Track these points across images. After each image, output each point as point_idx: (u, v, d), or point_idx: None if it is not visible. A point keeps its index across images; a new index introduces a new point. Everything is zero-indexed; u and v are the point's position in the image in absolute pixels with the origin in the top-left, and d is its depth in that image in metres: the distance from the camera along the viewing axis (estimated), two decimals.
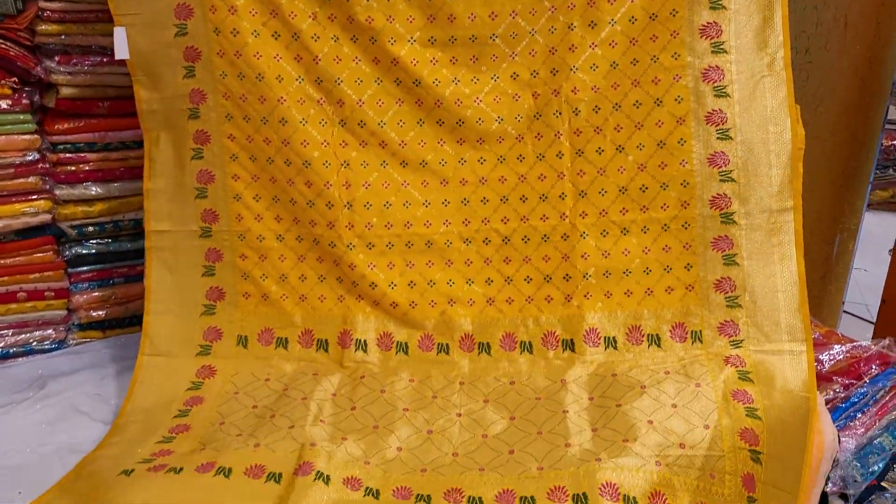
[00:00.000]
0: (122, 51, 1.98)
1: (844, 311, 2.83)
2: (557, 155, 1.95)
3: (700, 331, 1.90)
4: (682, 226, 1.90)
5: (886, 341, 2.06)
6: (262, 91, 1.93)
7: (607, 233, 1.94)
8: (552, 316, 1.94)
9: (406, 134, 1.98)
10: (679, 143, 1.87)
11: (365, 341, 2.00)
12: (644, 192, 1.91)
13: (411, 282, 2.01)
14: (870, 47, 2.25)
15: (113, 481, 1.66)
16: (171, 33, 1.95)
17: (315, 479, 1.60)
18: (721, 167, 1.86)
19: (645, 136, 1.89)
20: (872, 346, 2.06)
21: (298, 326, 2.03)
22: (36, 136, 2.11)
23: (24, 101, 2.07)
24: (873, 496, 2.03)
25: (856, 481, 1.93)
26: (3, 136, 2.07)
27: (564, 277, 1.95)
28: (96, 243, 2.30)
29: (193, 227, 2.04)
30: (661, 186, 1.89)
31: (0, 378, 2.14)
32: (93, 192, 2.24)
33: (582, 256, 1.94)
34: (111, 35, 2.10)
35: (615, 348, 1.90)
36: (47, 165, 2.16)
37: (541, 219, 1.96)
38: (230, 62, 1.93)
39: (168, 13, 1.94)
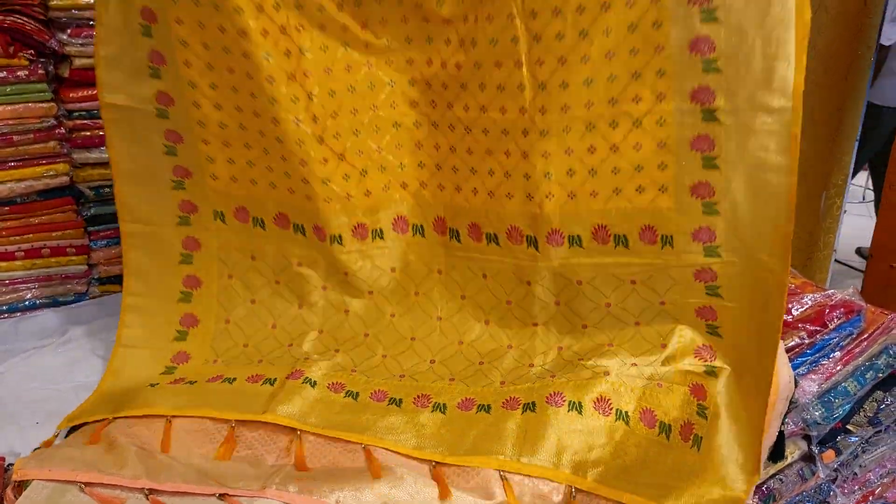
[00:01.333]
0: None
1: (844, 264, 2.87)
2: (512, 40, 1.70)
3: (671, 235, 1.68)
4: (657, 122, 1.60)
5: (851, 290, 2.11)
6: None
7: (570, 129, 1.69)
8: (514, 211, 1.84)
9: (366, 14, 1.83)
10: (654, 25, 1.53)
11: (340, 235, 1.97)
12: (612, 82, 1.60)
13: (381, 166, 1.96)
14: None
15: (143, 390, 1.85)
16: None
17: (303, 382, 1.79)
18: (705, 54, 1.49)
19: (612, 19, 1.57)
20: (839, 295, 2.12)
21: (272, 211, 2.00)
22: (52, 104, 2.28)
23: (40, 72, 2.24)
24: (839, 438, 2.10)
25: (818, 423, 2.01)
26: (22, 105, 2.24)
27: (525, 176, 1.78)
28: (113, 203, 2.46)
29: (150, 107, 1.92)
30: (634, 76, 1.58)
31: (27, 325, 2.33)
32: (108, 156, 2.40)
33: (542, 155, 1.74)
34: None
35: (580, 247, 1.79)
36: (64, 131, 2.33)
37: (500, 111, 1.78)
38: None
39: None
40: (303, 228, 1.99)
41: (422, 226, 1.98)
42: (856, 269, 2.94)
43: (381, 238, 1.98)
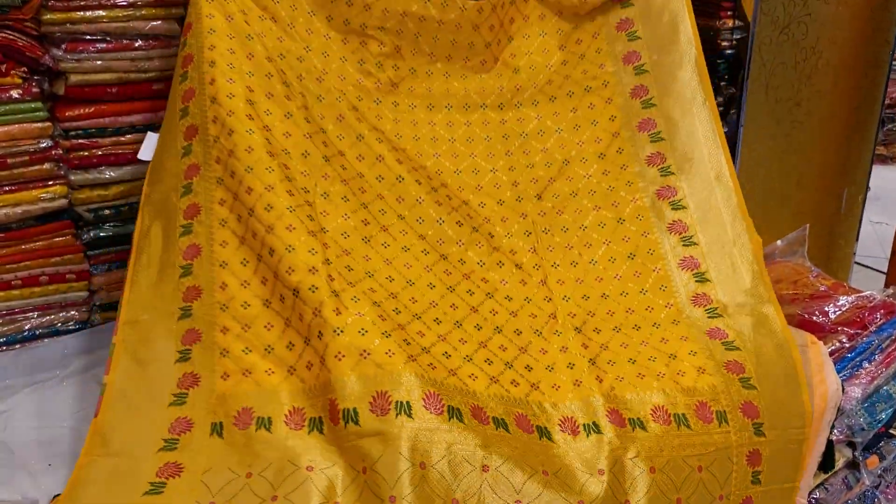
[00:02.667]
0: (147, 153, 2.06)
1: (860, 265, 2.84)
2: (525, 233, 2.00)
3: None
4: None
5: (891, 290, 2.07)
6: (249, 142, 1.87)
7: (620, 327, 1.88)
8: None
9: (385, 188, 1.99)
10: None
11: (355, 410, 1.54)
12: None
13: (405, 340, 1.72)
14: None
15: None
16: (177, 118, 1.97)
17: None
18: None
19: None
20: (877, 296, 2.08)
21: (286, 405, 1.62)
22: (48, 123, 2.16)
23: (35, 90, 2.12)
24: (882, 443, 2.05)
25: (863, 429, 1.96)
26: (17, 125, 2.11)
27: (569, 365, 1.78)
28: (113, 226, 2.35)
29: (172, 308, 1.78)
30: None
31: (27, 359, 2.20)
32: (107, 176, 2.29)
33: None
34: (115, 21, 2.17)
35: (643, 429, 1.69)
36: (61, 152, 2.21)
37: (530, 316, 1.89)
38: (221, 124, 1.88)
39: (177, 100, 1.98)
40: (320, 424, 1.59)
41: (458, 409, 1.61)
42: (874, 269, 2.95)
43: (409, 415, 1.54)
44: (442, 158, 2.05)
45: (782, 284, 2.22)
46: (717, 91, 2.26)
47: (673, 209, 1.95)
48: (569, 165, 2.02)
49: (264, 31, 2.05)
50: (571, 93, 2.06)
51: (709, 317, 1.83)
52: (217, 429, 1.58)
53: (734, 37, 2.18)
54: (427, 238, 1.96)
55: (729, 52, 2.19)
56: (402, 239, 1.94)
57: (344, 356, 1.57)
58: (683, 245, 1.92)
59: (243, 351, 1.68)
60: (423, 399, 1.56)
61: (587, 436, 1.61)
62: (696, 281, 1.87)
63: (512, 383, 1.69)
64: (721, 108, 2.26)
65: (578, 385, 1.69)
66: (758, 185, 2.29)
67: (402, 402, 1.52)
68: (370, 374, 1.54)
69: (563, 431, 1.61)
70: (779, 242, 2.36)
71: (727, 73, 2.22)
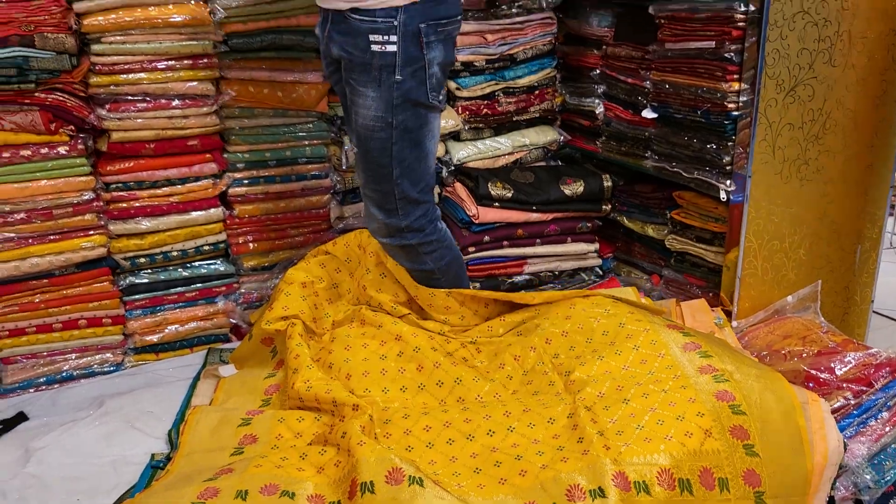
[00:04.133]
0: (226, 372, 2.33)
1: (881, 314, 2.84)
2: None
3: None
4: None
5: None
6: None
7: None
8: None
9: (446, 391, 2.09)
10: None
11: (371, 482, 1.62)
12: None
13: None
14: (877, 59, 2.29)
15: None
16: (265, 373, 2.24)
17: None
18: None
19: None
20: (884, 353, 2.09)
21: (310, 490, 1.69)
22: (91, 177, 2.32)
23: (80, 147, 2.28)
24: (891, 501, 2.05)
25: (869, 487, 1.96)
26: (62, 179, 2.28)
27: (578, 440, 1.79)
28: (148, 273, 2.50)
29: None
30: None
31: (64, 398, 2.34)
32: (143, 226, 2.44)
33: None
34: (156, 83, 2.33)
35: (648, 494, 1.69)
36: (101, 203, 2.37)
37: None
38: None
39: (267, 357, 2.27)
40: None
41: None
42: (893, 319, 2.93)
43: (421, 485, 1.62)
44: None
45: (791, 340, 2.24)
46: (724, 151, 2.32)
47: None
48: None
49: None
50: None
51: (716, 381, 1.85)
52: (242, 494, 1.65)
53: (740, 99, 2.25)
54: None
55: (735, 113, 2.26)
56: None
57: (365, 443, 1.71)
58: (683, 335, 2.00)
59: (280, 458, 1.79)
60: (435, 474, 1.70)
61: (592, 500, 1.63)
62: (701, 357, 1.91)
63: (520, 474, 1.75)
64: (728, 167, 2.32)
65: (586, 454, 1.73)
66: (766, 242, 2.33)
67: (414, 477, 1.62)
68: (387, 456, 1.66)
69: (569, 501, 1.64)
70: (789, 298, 2.39)
71: (734, 133, 2.29)
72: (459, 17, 2.08)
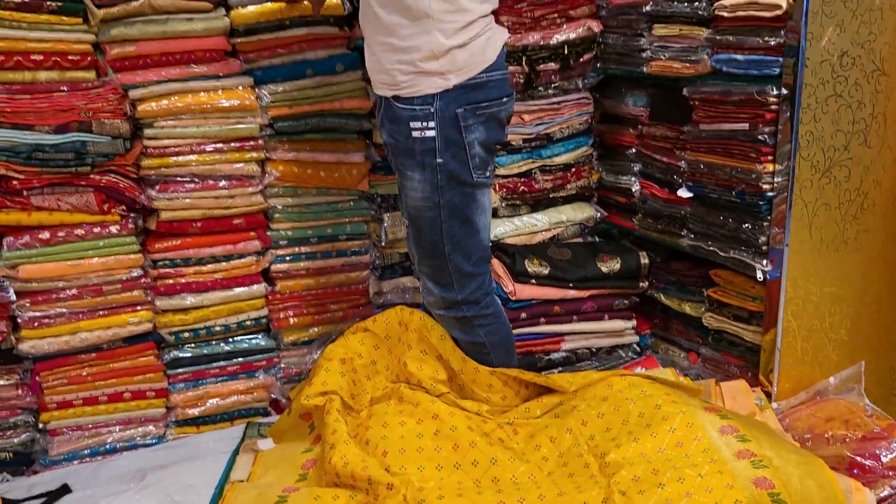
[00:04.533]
0: (265, 445, 2.37)
1: None
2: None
3: None
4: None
5: None
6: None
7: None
8: None
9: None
10: None
11: None
12: None
13: None
14: None
15: None
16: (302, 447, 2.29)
17: None
18: None
19: None
20: None
21: None
22: (140, 255, 2.41)
23: (130, 226, 2.38)
24: None
25: None
26: (113, 257, 2.37)
27: None
28: (191, 347, 2.56)
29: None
30: None
31: (106, 470, 2.38)
32: (188, 302, 2.51)
33: None
34: (204, 164, 2.43)
35: None
36: (149, 280, 2.45)
37: None
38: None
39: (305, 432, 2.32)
40: None
41: None
42: None
43: None
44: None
45: (834, 423, 2.20)
46: (760, 231, 2.32)
47: None
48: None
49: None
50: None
51: (754, 467, 1.81)
52: None
53: (775, 180, 2.26)
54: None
55: (770, 194, 2.27)
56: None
57: None
58: (720, 418, 1.97)
59: None
60: None
61: None
62: (739, 441, 1.88)
63: None
64: (764, 247, 2.32)
65: None
66: (805, 322, 2.31)
67: None
68: None
69: None
70: (831, 379, 2.35)
71: (770, 213, 2.29)
72: (506, 98, 2.14)
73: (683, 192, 2.59)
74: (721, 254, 2.48)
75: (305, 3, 2.49)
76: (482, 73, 2.05)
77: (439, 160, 2.06)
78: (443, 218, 2.12)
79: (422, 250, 2.22)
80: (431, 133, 2.03)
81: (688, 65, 2.52)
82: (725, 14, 2.31)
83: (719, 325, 2.59)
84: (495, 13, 2.62)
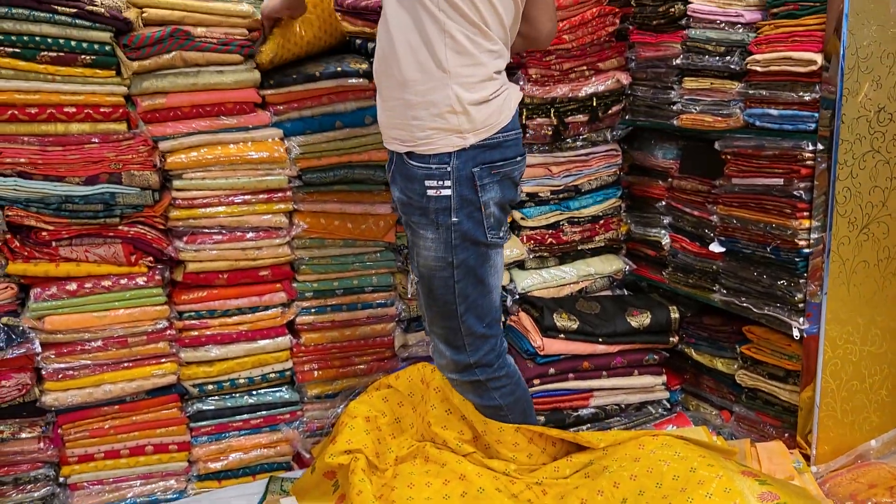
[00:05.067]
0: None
1: None
2: None
3: None
4: None
5: None
6: None
7: None
8: None
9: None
10: None
11: None
12: None
13: None
14: None
15: None
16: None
17: None
18: None
19: None
20: None
21: None
22: (166, 306, 2.39)
23: (157, 277, 2.36)
24: None
25: None
26: (139, 308, 2.35)
27: None
28: (215, 400, 2.53)
29: None
30: None
31: None
32: (212, 354, 2.48)
33: None
34: (232, 216, 2.42)
35: None
36: (174, 332, 2.43)
37: None
38: None
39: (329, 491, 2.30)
40: None
41: None
42: None
43: None
44: None
45: (878, 490, 2.12)
46: (796, 288, 2.27)
47: None
48: None
49: None
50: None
51: None
52: None
53: (811, 236, 2.21)
54: None
55: (807, 250, 2.22)
56: None
57: None
58: (759, 483, 1.89)
59: None
60: None
61: None
62: (759, 483, 1.84)
63: None
64: (800, 305, 2.26)
65: None
66: (844, 383, 2.24)
67: None
68: None
69: None
70: (873, 443, 2.27)
71: (806, 270, 2.24)
72: (520, 158, 2.12)
73: (716, 247, 2.55)
74: (755, 310, 2.43)
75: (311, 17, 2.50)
76: (499, 132, 2.03)
77: (454, 219, 2.02)
78: (456, 278, 2.08)
79: (433, 311, 2.17)
80: (447, 192, 2.00)
81: (720, 118, 2.49)
82: (758, 69, 2.30)
83: (754, 383, 2.53)
84: (522, 67, 2.64)
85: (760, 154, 2.36)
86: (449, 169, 1.98)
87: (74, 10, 2.15)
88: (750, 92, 2.36)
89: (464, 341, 2.14)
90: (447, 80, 1.93)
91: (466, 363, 2.17)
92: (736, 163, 2.45)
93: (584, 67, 2.81)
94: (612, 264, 2.98)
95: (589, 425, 2.69)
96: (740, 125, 2.42)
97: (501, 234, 2.13)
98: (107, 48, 2.21)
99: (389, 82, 2.01)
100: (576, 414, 2.71)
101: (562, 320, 2.67)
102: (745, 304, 2.47)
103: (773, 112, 2.29)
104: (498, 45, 1.99)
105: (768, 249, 2.36)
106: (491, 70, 1.99)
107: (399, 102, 2.00)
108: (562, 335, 2.67)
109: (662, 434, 2.21)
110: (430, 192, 2.00)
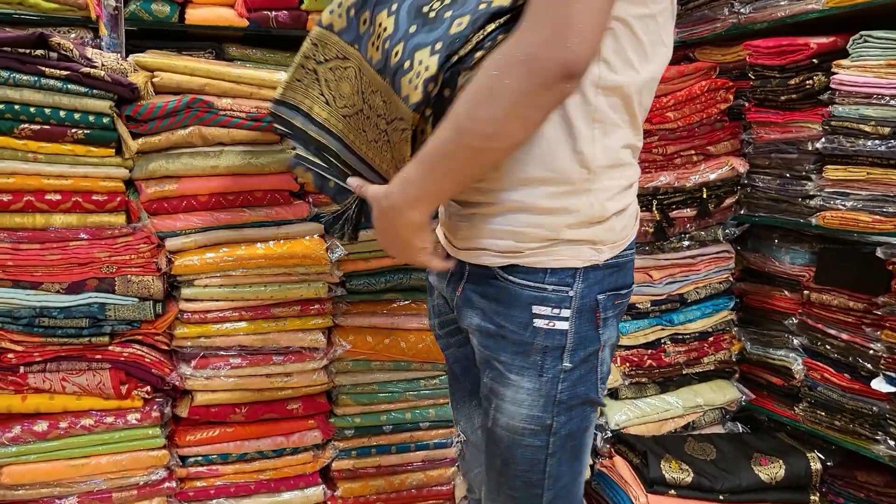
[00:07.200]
0: None
1: None
2: None
3: None
4: None
5: None
6: None
7: None
8: None
9: None
10: None
11: None
12: None
13: None
14: None
15: None
16: None
17: None
18: None
19: None
20: None
21: None
22: (164, 451, 1.85)
23: (154, 414, 1.83)
24: None
25: None
26: (128, 454, 1.82)
27: None
28: None
29: None
30: None
31: None
32: None
33: None
34: (255, 334, 1.90)
35: None
36: (174, 484, 1.88)
37: None
38: None
39: None
40: None
41: None
42: None
43: None
44: None
45: None
46: None
47: None
48: None
49: None
50: None
51: None
52: None
53: None
54: None
55: None
56: None
57: None
58: None
59: None
60: None
61: None
62: None
63: None
64: None
65: None
66: None
67: None
68: None
69: None
70: None
71: None
72: (633, 285, 1.54)
73: (881, 384, 1.96)
74: None
75: None
76: (627, 249, 1.46)
77: (566, 364, 1.42)
78: (550, 449, 1.42)
79: (506, 494, 1.48)
80: (563, 325, 1.39)
81: (882, 218, 1.95)
82: None
83: None
84: None
85: None
86: (571, 293, 1.37)
87: (66, 74, 1.68)
88: None
89: None
90: (589, 184, 1.36)
91: None
92: None
93: (692, 152, 2.32)
94: (724, 393, 2.41)
95: None
96: None
97: (607, 391, 1.51)
98: (105, 120, 1.73)
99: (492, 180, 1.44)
100: None
101: (671, 470, 2.09)
102: None
103: None
104: (641, 138, 1.45)
105: None
106: (635, 172, 1.42)
107: (509, 205, 1.41)
108: (672, 490, 2.09)
109: None
110: (539, 324, 1.38)
